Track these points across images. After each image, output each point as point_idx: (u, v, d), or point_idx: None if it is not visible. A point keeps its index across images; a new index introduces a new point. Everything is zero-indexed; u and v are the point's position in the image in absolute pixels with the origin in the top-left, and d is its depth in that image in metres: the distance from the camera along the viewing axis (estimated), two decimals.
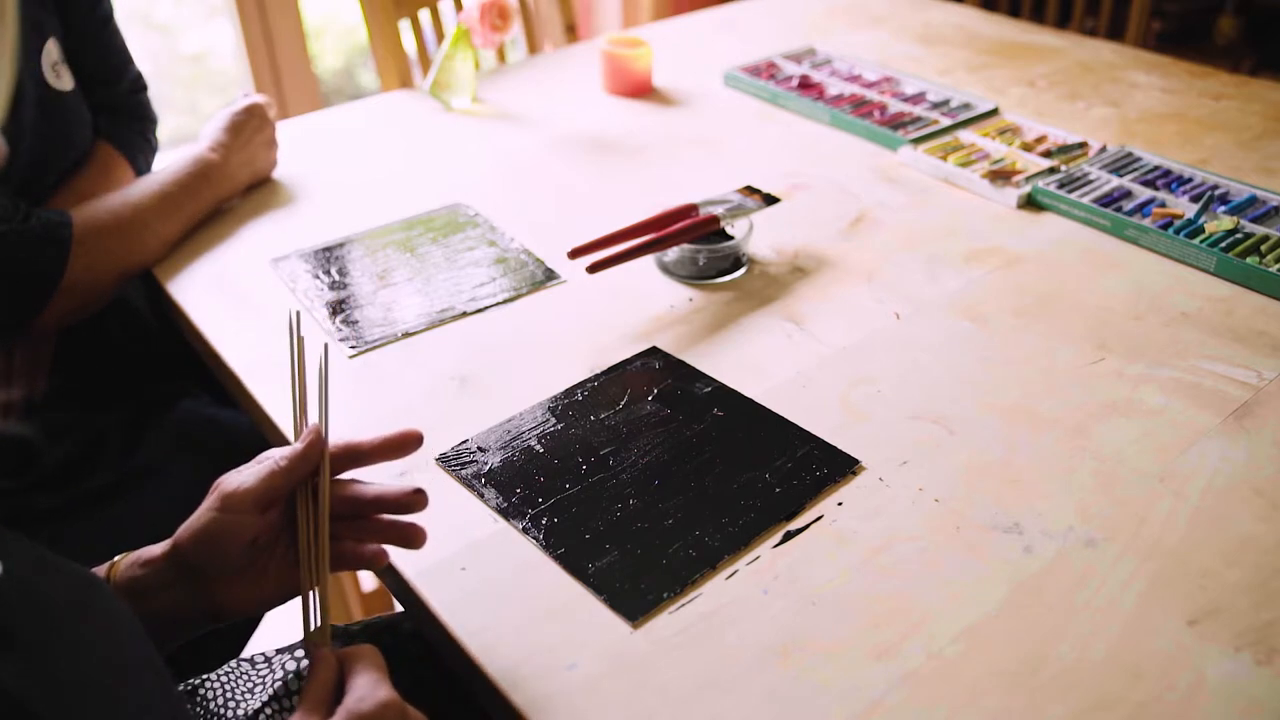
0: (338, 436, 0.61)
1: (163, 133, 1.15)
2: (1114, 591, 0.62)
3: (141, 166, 1.08)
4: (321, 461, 0.59)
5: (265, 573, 0.60)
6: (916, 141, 1.18)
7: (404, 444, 0.61)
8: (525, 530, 0.67)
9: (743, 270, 0.96)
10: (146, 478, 0.93)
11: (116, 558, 0.61)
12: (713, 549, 0.65)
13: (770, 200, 1.00)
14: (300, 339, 0.61)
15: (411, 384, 0.81)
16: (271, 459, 0.59)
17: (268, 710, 0.66)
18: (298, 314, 0.62)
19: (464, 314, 0.90)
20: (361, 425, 0.76)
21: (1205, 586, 0.62)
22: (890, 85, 1.35)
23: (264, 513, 0.58)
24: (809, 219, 1.05)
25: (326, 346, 0.60)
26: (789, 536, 0.66)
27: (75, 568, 0.48)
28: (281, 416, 0.78)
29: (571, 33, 1.69)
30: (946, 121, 1.23)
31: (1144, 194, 1.06)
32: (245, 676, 0.70)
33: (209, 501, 0.58)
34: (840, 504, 0.68)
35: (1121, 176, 1.09)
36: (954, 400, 0.78)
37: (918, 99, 1.31)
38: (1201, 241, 0.95)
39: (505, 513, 0.68)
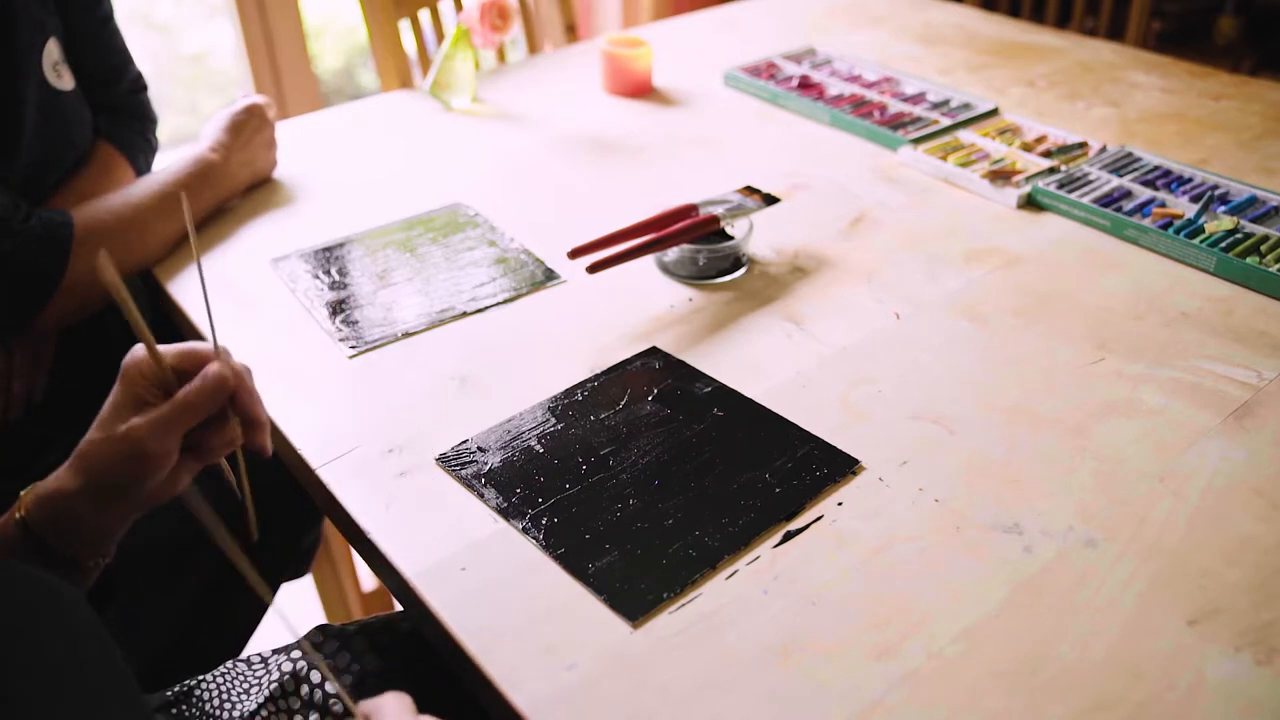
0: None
1: (163, 133, 1.15)
2: (1114, 591, 0.62)
3: (142, 166, 1.08)
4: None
5: (180, 469, 0.62)
6: (916, 141, 1.18)
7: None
8: (525, 530, 0.66)
9: (743, 270, 0.96)
10: None
11: (22, 493, 0.61)
12: (713, 549, 0.65)
13: (770, 200, 1.00)
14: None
15: (411, 384, 0.81)
16: (181, 400, 0.59)
17: (264, 711, 0.66)
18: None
19: (464, 314, 0.90)
20: (362, 425, 0.76)
21: (1205, 586, 0.62)
22: (890, 85, 1.35)
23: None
24: (809, 219, 1.05)
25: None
26: (789, 536, 0.66)
27: (35, 575, 0.47)
28: (281, 417, 0.78)
29: (571, 33, 1.69)
30: (946, 121, 1.23)
31: (1144, 194, 1.06)
32: (242, 677, 0.70)
33: (119, 445, 0.58)
34: (840, 504, 0.68)
35: (1121, 176, 1.09)
36: (954, 400, 0.78)
37: (918, 99, 1.31)
38: (1201, 241, 0.95)
39: (505, 513, 0.68)
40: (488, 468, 0.72)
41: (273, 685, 0.68)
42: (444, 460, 0.73)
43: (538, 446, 0.74)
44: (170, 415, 0.58)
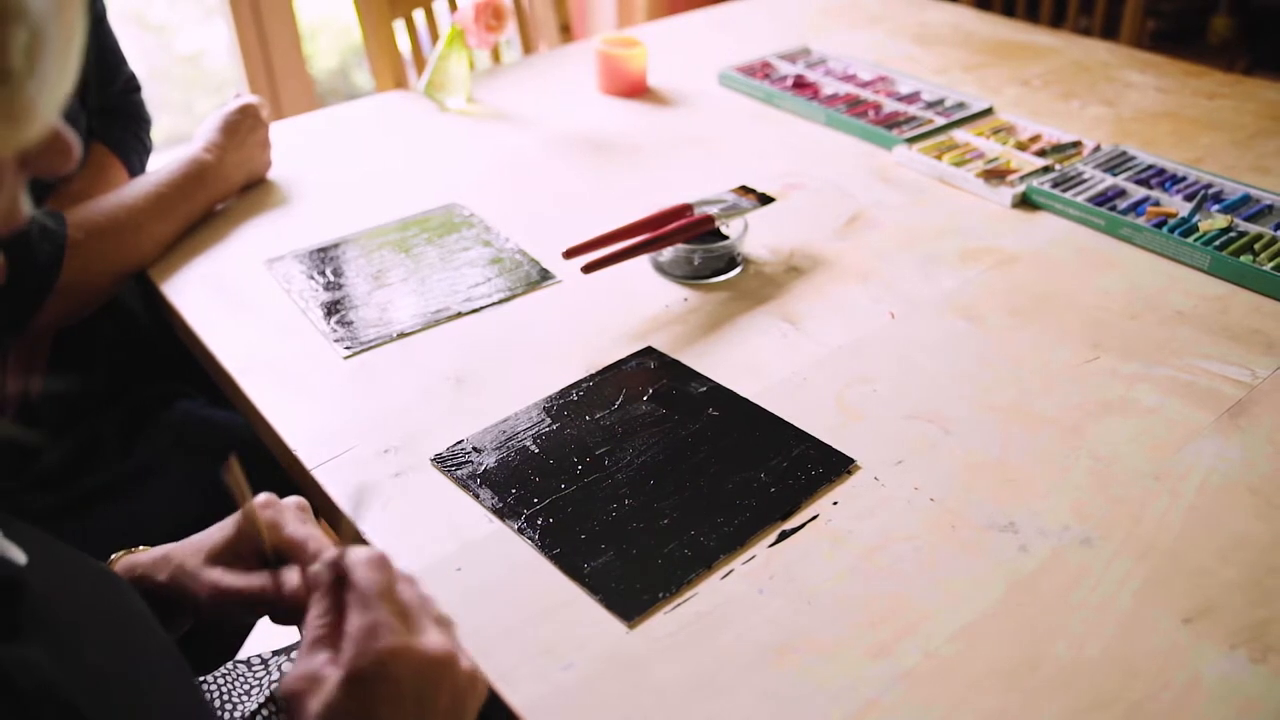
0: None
1: (157, 133, 1.15)
2: (1109, 590, 0.62)
3: (136, 167, 1.08)
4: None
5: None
6: (911, 141, 1.18)
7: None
8: (521, 530, 0.66)
9: (738, 270, 0.96)
10: (143, 478, 0.93)
11: (113, 556, 0.61)
12: (708, 549, 0.65)
13: (765, 200, 1.00)
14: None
15: (407, 384, 0.81)
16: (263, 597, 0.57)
17: (264, 712, 0.66)
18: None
19: (459, 314, 0.90)
20: (357, 426, 0.76)
21: (1200, 585, 0.62)
22: (885, 85, 1.35)
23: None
24: (804, 219, 1.05)
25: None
26: (784, 536, 0.66)
27: (85, 558, 0.48)
28: (276, 418, 0.77)
29: (566, 33, 1.69)
30: (941, 121, 1.23)
31: (1138, 193, 1.06)
32: (242, 678, 0.70)
33: (198, 587, 0.56)
34: (836, 503, 0.69)
35: (1116, 175, 1.09)
36: (950, 399, 0.78)
37: (913, 98, 1.31)
38: (1196, 240, 0.95)
39: (501, 513, 0.68)
40: (483, 468, 0.72)
41: (273, 686, 0.68)
42: (439, 460, 0.73)
43: (533, 447, 0.74)
44: (256, 598, 0.56)
